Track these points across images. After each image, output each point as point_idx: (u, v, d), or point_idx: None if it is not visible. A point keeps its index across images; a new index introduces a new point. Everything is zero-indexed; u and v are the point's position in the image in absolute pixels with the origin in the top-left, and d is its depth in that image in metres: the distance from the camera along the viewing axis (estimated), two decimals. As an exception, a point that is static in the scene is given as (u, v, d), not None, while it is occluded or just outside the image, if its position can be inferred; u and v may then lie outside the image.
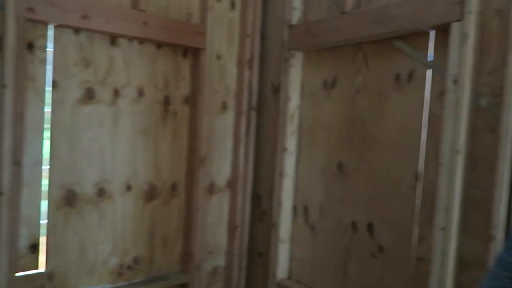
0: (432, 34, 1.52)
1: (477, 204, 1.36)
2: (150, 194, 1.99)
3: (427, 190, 1.52)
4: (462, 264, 1.38)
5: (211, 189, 2.17)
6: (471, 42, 1.36)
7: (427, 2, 1.47)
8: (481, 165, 1.37)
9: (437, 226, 1.41)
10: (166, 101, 2.01)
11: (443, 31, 1.45)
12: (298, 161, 2.05)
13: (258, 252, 2.25)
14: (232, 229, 2.22)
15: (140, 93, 1.92)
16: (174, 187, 2.07)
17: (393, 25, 1.58)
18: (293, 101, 2.04)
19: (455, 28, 1.40)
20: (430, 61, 1.53)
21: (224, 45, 2.14)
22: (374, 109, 1.72)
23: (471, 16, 1.36)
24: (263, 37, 2.22)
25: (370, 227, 1.72)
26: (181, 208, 2.10)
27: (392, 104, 1.66)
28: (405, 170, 1.60)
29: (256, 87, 2.21)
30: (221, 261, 2.24)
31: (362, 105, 1.77)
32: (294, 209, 2.06)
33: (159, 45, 1.96)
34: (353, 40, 1.76)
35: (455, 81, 1.40)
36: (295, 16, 2.00)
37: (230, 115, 2.20)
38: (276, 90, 2.15)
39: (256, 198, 2.26)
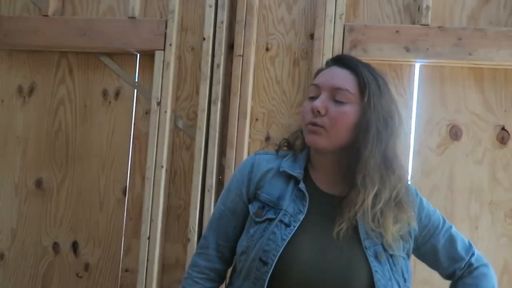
0: (139, 57, 1.63)
1: (176, 212, 1.56)
2: None
3: (134, 204, 1.60)
4: (164, 268, 1.55)
5: None
6: (171, 70, 1.55)
7: (134, 28, 1.57)
8: (179, 178, 1.58)
9: (143, 236, 1.52)
10: None
11: (149, 56, 1.58)
12: (-20, 180, 1.70)
13: None
14: None
15: None
16: None
17: (100, 41, 1.59)
18: (-26, 106, 1.68)
19: (158, 56, 1.55)
20: (136, 82, 1.63)
21: None
22: (79, 123, 1.66)
23: (172, 48, 1.55)
24: None
25: (74, 246, 1.64)
26: None
27: (99, 119, 1.65)
28: (112, 185, 1.62)
29: None
30: None
31: (66, 118, 1.67)
32: (-26, 238, 1.70)
33: None
34: (55, 48, 1.64)
35: (158, 103, 1.55)
36: (-21, 5, 1.66)
37: None
38: None
39: None
